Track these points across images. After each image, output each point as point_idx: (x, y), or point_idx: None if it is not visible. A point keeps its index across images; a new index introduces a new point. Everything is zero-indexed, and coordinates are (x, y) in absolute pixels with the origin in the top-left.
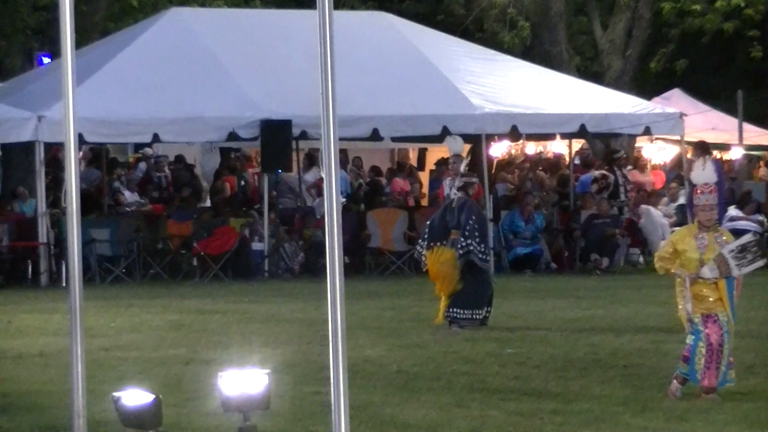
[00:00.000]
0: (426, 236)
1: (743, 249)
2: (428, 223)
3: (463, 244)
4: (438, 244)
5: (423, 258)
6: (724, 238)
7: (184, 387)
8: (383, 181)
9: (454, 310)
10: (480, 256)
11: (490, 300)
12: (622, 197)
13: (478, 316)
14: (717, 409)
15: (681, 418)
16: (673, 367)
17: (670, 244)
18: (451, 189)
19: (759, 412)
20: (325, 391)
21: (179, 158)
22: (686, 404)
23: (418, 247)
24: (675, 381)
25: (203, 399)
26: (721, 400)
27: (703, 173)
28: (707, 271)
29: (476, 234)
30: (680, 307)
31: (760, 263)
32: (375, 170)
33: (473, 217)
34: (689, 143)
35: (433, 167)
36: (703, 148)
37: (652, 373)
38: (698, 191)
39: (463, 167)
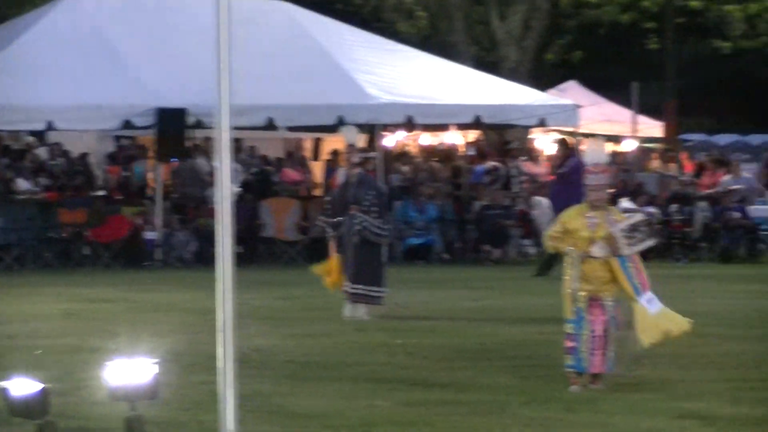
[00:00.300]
0: (328, 211)
1: (633, 228)
2: (329, 198)
3: (359, 219)
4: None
5: (329, 232)
6: (615, 217)
7: (73, 376)
8: (271, 170)
9: (350, 285)
10: (375, 231)
11: (384, 279)
12: (515, 189)
13: (372, 293)
14: (604, 399)
15: (568, 409)
16: (561, 357)
17: (560, 224)
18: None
19: (646, 403)
20: (214, 381)
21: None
22: (573, 395)
23: (321, 221)
24: (573, 382)
25: (91, 388)
26: (608, 390)
27: (593, 153)
28: (597, 250)
29: (373, 209)
30: (567, 287)
31: (650, 243)
32: (264, 160)
33: (372, 192)
34: (583, 135)
35: (328, 157)
36: (564, 145)
37: (540, 363)
38: (590, 171)
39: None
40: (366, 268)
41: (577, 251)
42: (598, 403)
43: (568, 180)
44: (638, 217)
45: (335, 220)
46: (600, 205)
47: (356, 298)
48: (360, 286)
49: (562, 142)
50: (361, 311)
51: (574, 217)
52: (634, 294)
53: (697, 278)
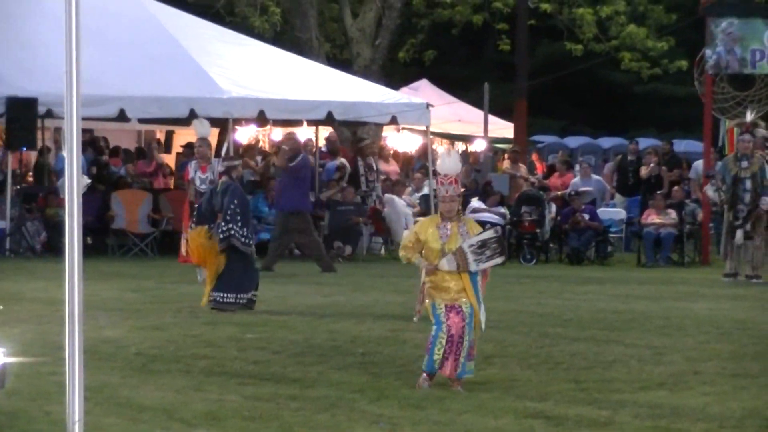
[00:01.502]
0: (194, 220)
1: (483, 245)
2: (197, 206)
3: (224, 228)
4: (207, 227)
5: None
6: (466, 227)
7: None
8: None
9: (218, 294)
10: (242, 240)
11: (256, 284)
12: (363, 187)
13: (241, 300)
14: (453, 397)
15: (416, 406)
16: (411, 355)
17: (413, 234)
18: (195, 172)
19: (494, 402)
20: (61, 371)
21: None
22: (422, 393)
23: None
24: (422, 381)
25: None
26: (462, 391)
27: (446, 164)
28: (446, 264)
29: (238, 218)
30: (425, 296)
31: (498, 260)
32: (115, 151)
33: (235, 201)
34: (434, 134)
35: (180, 150)
36: (293, 140)
37: (389, 361)
38: (440, 182)
39: (224, 151)
40: (235, 277)
41: (426, 263)
42: (447, 402)
43: (296, 175)
44: (489, 233)
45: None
46: (451, 216)
47: (224, 306)
48: (228, 295)
49: (289, 137)
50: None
51: (427, 228)
52: (477, 306)
53: (546, 279)
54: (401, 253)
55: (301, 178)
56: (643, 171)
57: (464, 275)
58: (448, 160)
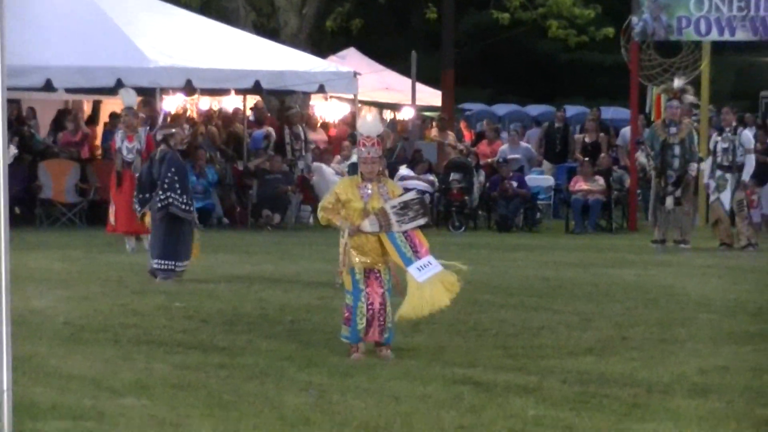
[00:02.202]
0: (136, 190)
1: (405, 206)
2: (138, 176)
3: (162, 196)
4: (146, 195)
5: (138, 212)
6: (387, 188)
7: None
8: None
9: (157, 261)
10: (182, 207)
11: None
12: (289, 155)
13: (180, 268)
14: (381, 365)
15: (345, 374)
16: (339, 323)
17: (333, 194)
18: (122, 142)
19: (423, 369)
20: None
21: None
22: (350, 361)
23: (136, 204)
24: (353, 352)
25: None
26: (394, 358)
27: (366, 125)
28: (368, 225)
29: (176, 186)
30: (342, 259)
31: (421, 221)
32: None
33: (172, 169)
34: (362, 102)
35: (107, 120)
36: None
37: (318, 328)
38: (361, 143)
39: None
40: (172, 243)
41: (348, 224)
42: (375, 369)
43: None
44: (411, 195)
45: (143, 197)
46: (372, 177)
47: (167, 274)
48: (168, 262)
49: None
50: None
51: (347, 188)
52: (403, 264)
53: (475, 246)
54: (320, 214)
55: None
56: (586, 138)
57: (384, 237)
58: (368, 121)
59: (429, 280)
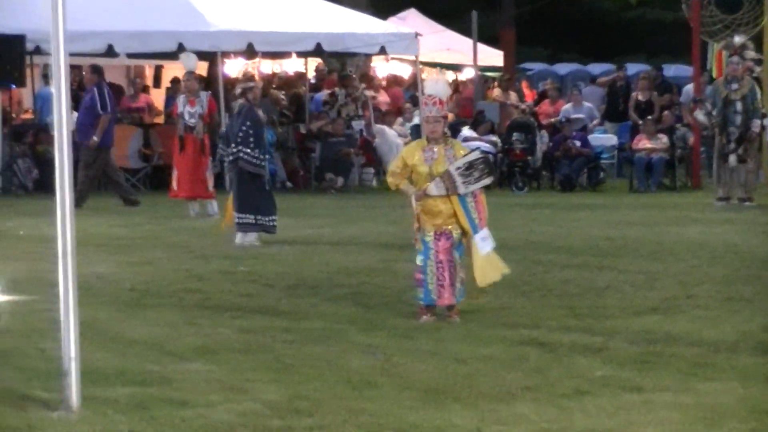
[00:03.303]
0: (221, 144)
1: (470, 166)
2: (222, 131)
3: (234, 150)
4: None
5: (225, 161)
6: (453, 151)
7: None
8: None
9: (238, 215)
10: (254, 161)
11: (274, 207)
12: (356, 116)
13: (261, 221)
14: (445, 327)
15: (408, 336)
16: (402, 285)
17: (400, 159)
18: (184, 106)
19: (486, 330)
20: (55, 308)
21: None
22: (413, 323)
23: (220, 151)
24: (422, 314)
25: None
26: (458, 320)
27: (433, 86)
28: (433, 188)
29: (250, 140)
30: (413, 222)
31: (487, 181)
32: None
33: (248, 123)
34: (423, 63)
35: (169, 85)
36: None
37: (380, 291)
38: (424, 103)
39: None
40: (249, 198)
41: (415, 188)
42: (439, 331)
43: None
44: (476, 154)
45: (223, 151)
46: (437, 138)
47: (245, 228)
48: (247, 216)
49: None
50: (251, 237)
51: (413, 152)
52: (471, 231)
53: (538, 206)
54: (389, 179)
55: (86, 108)
56: (639, 96)
57: (453, 200)
58: (436, 83)
59: (488, 254)
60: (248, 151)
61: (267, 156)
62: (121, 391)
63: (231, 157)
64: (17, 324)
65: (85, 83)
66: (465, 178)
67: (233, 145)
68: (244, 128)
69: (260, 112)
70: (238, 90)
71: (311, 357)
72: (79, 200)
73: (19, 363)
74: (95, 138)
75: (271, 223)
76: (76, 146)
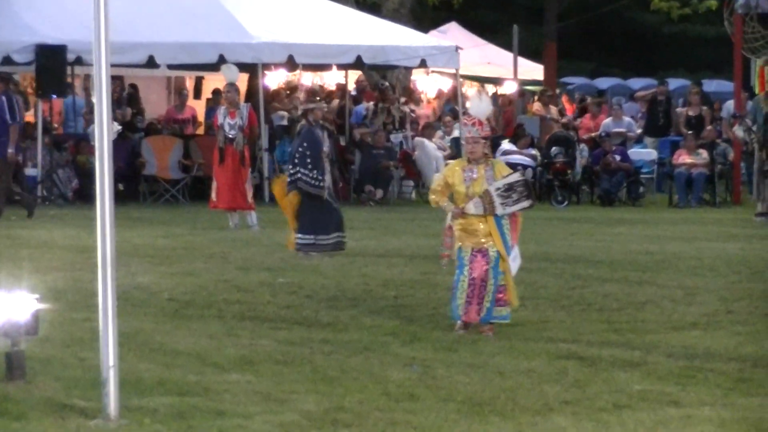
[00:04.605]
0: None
1: (509, 188)
2: (290, 150)
3: (292, 171)
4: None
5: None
6: (494, 171)
7: None
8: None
9: (298, 236)
10: (311, 182)
11: (338, 224)
12: (397, 129)
13: (322, 242)
14: (485, 340)
15: (449, 349)
16: (443, 298)
17: (442, 177)
18: (224, 118)
19: (527, 343)
20: (95, 318)
21: None
22: (455, 336)
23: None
24: (457, 328)
25: None
26: (491, 336)
27: (476, 106)
28: (472, 207)
29: (307, 161)
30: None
31: (525, 204)
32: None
33: (304, 144)
34: (464, 77)
35: (210, 96)
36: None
37: (421, 304)
38: (464, 123)
39: (303, 97)
40: (311, 219)
41: (453, 206)
42: (479, 344)
43: None
44: (515, 176)
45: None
46: (477, 158)
47: (305, 248)
48: (307, 237)
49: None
50: (318, 256)
51: (453, 171)
52: (504, 252)
53: (578, 221)
54: (431, 197)
55: None
56: (690, 111)
57: (490, 219)
58: (478, 102)
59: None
60: (306, 172)
61: (324, 176)
62: (161, 401)
63: (290, 179)
64: (57, 333)
65: None
66: (503, 200)
67: (290, 166)
68: (300, 149)
69: (319, 132)
70: (300, 110)
71: (351, 369)
72: None
73: (59, 372)
74: (11, 150)
75: (332, 241)
76: None
